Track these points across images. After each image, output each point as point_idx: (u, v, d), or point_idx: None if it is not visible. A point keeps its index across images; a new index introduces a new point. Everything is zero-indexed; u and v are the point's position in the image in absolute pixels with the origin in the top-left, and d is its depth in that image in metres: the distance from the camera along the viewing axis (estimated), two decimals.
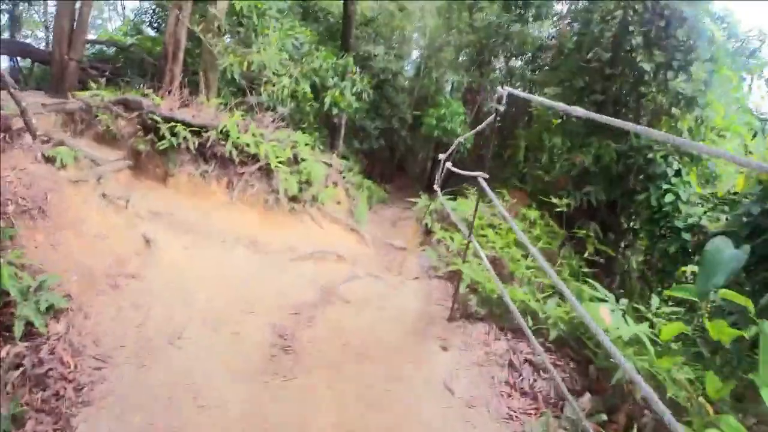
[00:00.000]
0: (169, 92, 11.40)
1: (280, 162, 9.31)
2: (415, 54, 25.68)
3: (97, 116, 9.54)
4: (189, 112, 9.52)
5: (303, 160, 9.86)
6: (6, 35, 17.36)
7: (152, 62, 16.85)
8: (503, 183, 15.93)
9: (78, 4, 14.66)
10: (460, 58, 23.43)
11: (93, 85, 10.53)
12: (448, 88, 24.80)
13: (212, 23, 12.18)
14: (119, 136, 9.44)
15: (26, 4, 17.62)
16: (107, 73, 16.41)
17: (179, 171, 9.03)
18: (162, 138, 8.83)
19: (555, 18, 20.67)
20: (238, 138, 9.02)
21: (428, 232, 11.25)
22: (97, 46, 19.76)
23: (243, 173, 9.15)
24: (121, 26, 24.23)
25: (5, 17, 17.22)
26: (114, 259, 7.21)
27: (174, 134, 8.86)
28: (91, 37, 20.35)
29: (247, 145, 9.04)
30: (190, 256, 7.62)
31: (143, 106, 9.21)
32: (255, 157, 9.21)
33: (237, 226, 8.76)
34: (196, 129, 9.08)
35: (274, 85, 11.90)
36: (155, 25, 19.67)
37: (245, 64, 11.22)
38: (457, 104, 18.09)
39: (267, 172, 9.32)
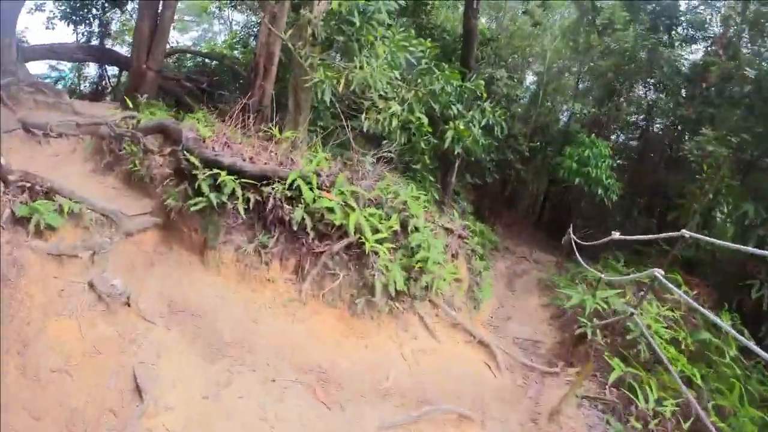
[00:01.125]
0: (245, 116, 8.16)
1: (380, 240, 5.57)
2: (529, 79, 21.90)
3: (124, 149, 6.34)
4: (249, 149, 6.07)
5: (416, 230, 6.10)
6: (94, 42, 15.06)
7: (245, 75, 14.15)
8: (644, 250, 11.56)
9: (160, 8, 11.95)
10: (587, 86, 19.99)
11: (130, 103, 7.41)
12: (565, 118, 20.88)
13: (305, 30, 8.85)
14: (147, 179, 6.15)
15: (118, 9, 15.21)
16: (204, 86, 13.65)
17: (224, 242, 5.54)
18: (199, 193, 5.38)
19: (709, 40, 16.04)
20: (316, 199, 5.39)
21: (581, 338, 7.27)
22: (199, 59, 17.40)
23: (321, 253, 5.50)
24: (227, 39, 22.03)
25: (96, 23, 14.88)
26: (69, 426, 3.78)
27: (217, 187, 5.38)
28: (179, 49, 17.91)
29: (330, 210, 5.39)
30: (206, 420, 4.05)
31: (182, 139, 5.84)
32: (342, 229, 5.55)
33: (301, 343, 5.14)
34: (254, 180, 5.56)
35: (379, 113, 8.29)
36: None
37: (342, 82, 7.66)
38: (603, 145, 13.73)
39: (359, 254, 5.62)
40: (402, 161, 9.38)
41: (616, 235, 7.21)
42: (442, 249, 6.46)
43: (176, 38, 22.96)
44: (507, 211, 20.38)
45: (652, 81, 16.86)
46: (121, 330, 4.61)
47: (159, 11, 11.98)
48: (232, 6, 22.07)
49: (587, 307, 7.37)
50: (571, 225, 11.93)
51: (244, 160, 5.62)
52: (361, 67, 8.19)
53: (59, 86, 16.31)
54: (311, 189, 5.37)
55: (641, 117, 18.63)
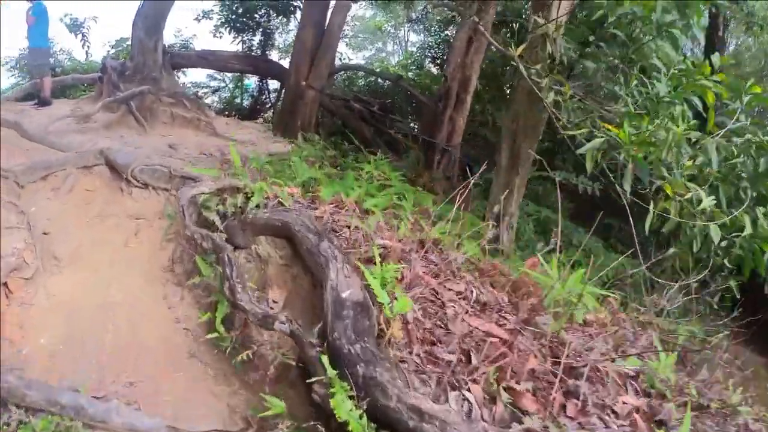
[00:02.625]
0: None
1: None
2: None
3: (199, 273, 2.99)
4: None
5: None
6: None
7: (428, 103, 10.90)
8: None
9: (328, 13, 9.03)
10: None
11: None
12: None
13: (541, 46, 5.21)
14: (239, 361, 2.70)
15: (283, 18, 12.57)
16: (375, 108, 10.57)
17: None
18: None
19: None
20: None
21: None
22: (371, 78, 14.52)
23: None
24: (401, 59, 19.27)
25: (259, 31, 12.38)
26: None
27: None
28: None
29: None
30: None
31: (325, 295, 2.31)
32: None
33: None
34: None
35: (680, 201, 4.19)
36: (439, 61, 14.42)
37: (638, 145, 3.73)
38: None
39: None
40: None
41: None
42: None
43: (348, 56, 20.51)
44: (749, 306, 15.33)
45: None
46: None
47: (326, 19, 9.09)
48: (408, 24, 19.31)
49: None
50: None
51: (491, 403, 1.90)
52: (656, 118, 4.24)
53: (215, 98, 14.26)
54: None
55: None
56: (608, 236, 9.17)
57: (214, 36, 13.54)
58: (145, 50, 9.49)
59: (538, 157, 6.22)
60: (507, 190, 5.64)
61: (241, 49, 13.48)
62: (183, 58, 10.58)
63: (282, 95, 13.12)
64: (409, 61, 17.30)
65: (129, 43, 13.80)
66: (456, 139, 9.02)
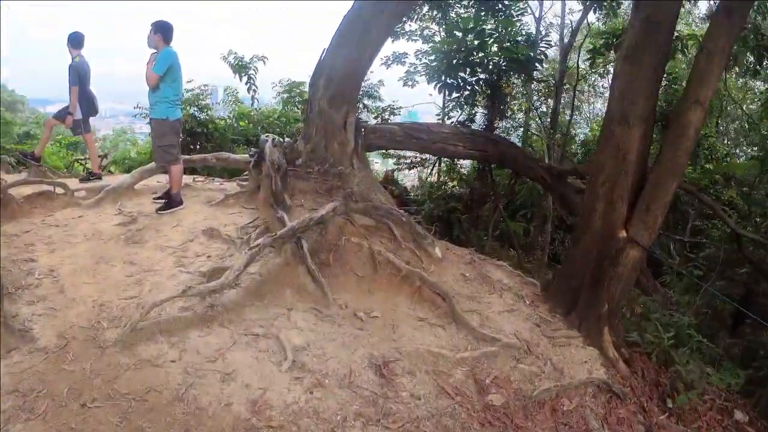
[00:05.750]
0: None
1: None
2: None
3: None
4: None
5: None
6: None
7: None
8: None
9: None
10: None
11: None
12: None
13: None
14: None
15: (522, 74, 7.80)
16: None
17: None
18: None
19: None
20: None
21: None
22: None
23: None
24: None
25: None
26: None
27: None
28: None
29: None
30: None
31: None
32: None
33: None
34: None
35: None
36: None
37: None
38: None
39: None
40: None
41: None
42: None
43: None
44: None
45: None
46: None
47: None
48: None
49: None
50: None
51: None
52: None
53: (410, 175, 10.00)
54: None
55: None
56: None
57: (404, 84, 9.56)
58: (329, 127, 5.28)
59: None
60: None
61: (442, 106, 9.19)
62: (382, 137, 6.27)
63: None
64: None
65: (303, 89, 10.11)
66: None
